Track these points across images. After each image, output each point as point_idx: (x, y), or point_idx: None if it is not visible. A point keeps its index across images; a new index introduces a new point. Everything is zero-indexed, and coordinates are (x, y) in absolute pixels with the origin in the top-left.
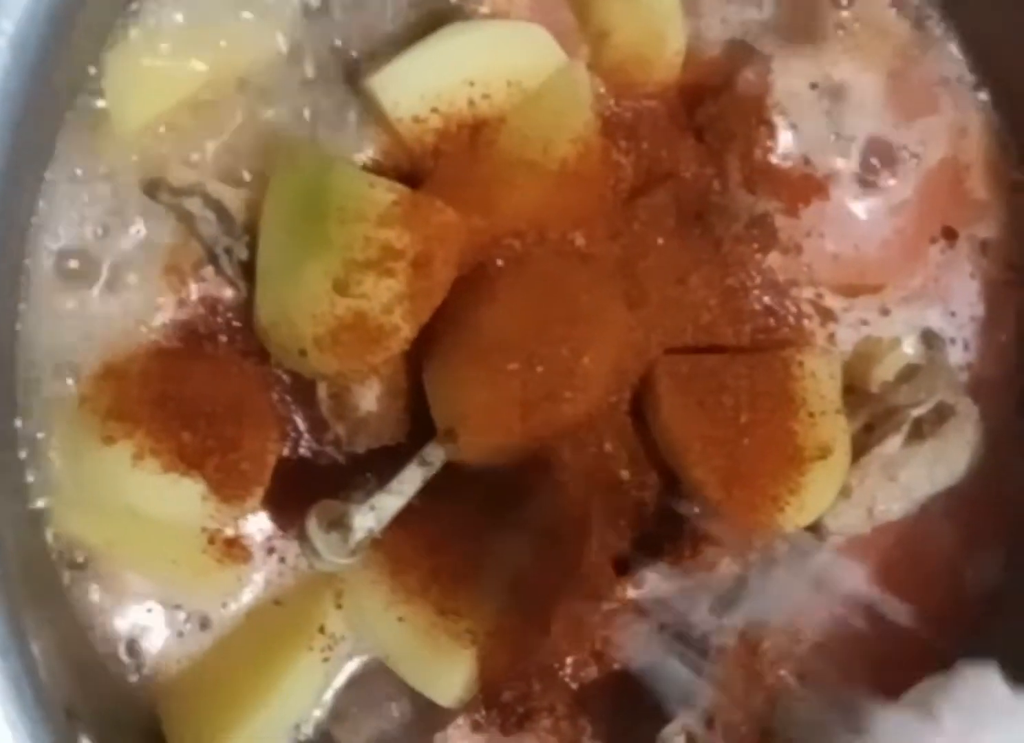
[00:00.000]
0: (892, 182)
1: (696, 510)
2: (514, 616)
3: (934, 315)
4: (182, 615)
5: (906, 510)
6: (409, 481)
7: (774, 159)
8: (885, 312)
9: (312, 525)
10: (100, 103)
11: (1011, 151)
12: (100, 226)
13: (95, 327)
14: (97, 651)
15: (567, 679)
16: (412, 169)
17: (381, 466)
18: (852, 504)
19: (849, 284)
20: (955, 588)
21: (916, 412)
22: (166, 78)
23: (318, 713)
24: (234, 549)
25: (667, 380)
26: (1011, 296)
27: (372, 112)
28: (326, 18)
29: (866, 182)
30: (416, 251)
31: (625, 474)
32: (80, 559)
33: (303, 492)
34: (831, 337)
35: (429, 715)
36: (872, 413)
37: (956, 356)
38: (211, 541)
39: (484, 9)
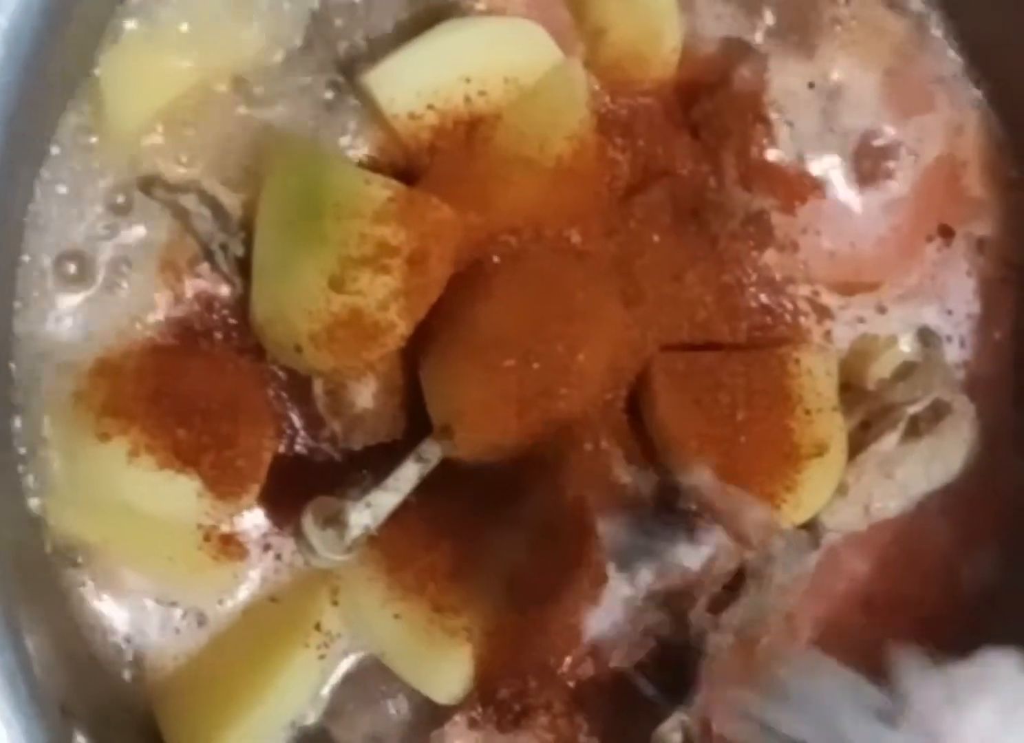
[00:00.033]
0: (888, 180)
1: (692, 507)
2: (511, 613)
3: (930, 313)
4: (178, 612)
5: (902, 507)
6: (405, 478)
7: (770, 156)
8: (881, 310)
9: (308, 522)
10: (96, 99)
11: (1008, 149)
12: (95, 223)
13: (91, 324)
14: (92, 647)
15: (564, 676)
16: (408, 166)
17: (377, 463)
18: (848, 502)
19: (845, 282)
20: (952, 585)
21: (912, 409)
22: (163, 74)
23: (314, 710)
24: (230, 546)
25: (663, 377)
26: (1007, 294)
27: (368, 109)
28: (323, 14)
29: (862, 180)
30: (412, 248)
31: (621, 471)
32: (76, 556)
33: (299, 489)
34: (827, 334)
35: (425, 712)
36: (868, 410)
37: (952, 354)
38: (207, 538)
39: (480, 6)
